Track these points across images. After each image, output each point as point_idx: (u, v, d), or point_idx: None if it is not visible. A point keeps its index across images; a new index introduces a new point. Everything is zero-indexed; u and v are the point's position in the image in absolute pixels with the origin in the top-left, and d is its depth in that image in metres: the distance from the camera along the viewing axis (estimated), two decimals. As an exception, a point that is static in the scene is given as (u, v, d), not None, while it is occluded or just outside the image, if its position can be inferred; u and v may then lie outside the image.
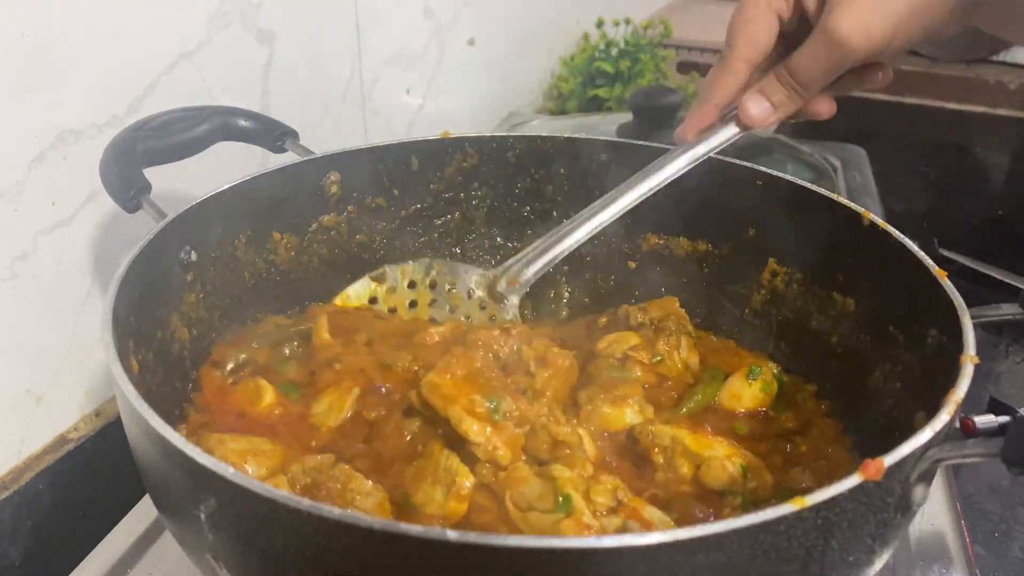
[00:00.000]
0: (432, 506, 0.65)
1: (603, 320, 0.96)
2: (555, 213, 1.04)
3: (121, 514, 0.84)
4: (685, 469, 0.72)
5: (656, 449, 0.73)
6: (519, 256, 0.92)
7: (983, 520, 0.92)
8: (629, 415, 0.78)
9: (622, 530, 0.61)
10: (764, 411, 0.83)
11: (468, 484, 0.66)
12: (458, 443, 0.69)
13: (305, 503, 0.45)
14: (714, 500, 0.70)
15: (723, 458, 0.72)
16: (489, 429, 0.68)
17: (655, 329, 0.90)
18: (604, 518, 0.62)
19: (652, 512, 0.64)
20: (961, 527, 0.84)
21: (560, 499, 0.62)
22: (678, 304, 0.94)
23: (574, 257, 1.05)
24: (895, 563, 0.80)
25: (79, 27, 0.84)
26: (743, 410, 0.83)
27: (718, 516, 0.68)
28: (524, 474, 0.67)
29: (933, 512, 0.86)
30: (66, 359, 0.92)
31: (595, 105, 1.85)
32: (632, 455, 0.75)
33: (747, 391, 0.83)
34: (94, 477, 0.94)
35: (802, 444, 0.79)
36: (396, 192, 0.98)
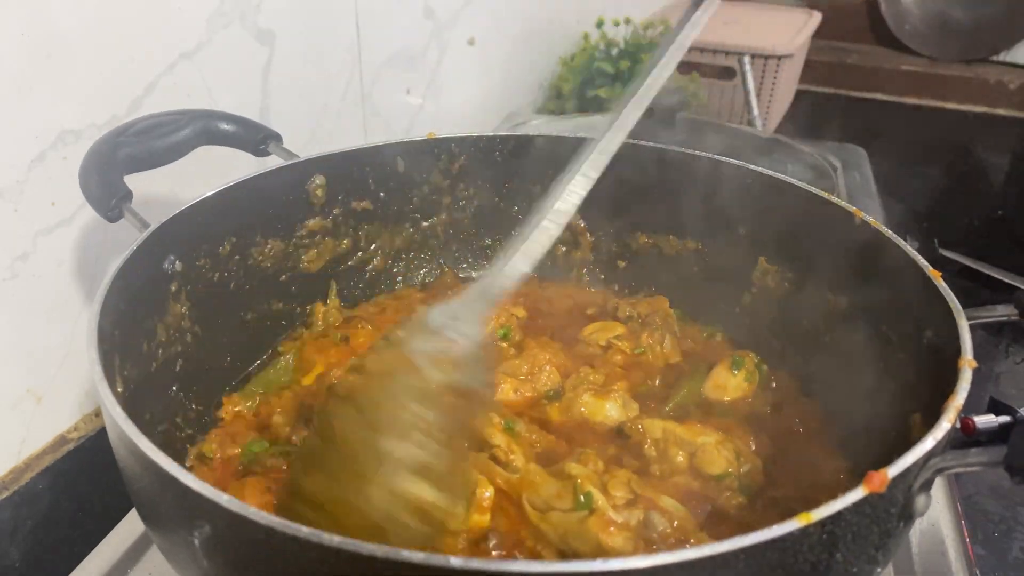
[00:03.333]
0: (454, 522, 0.64)
1: (591, 310, 0.98)
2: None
3: (121, 514, 0.84)
4: (680, 458, 0.73)
5: (648, 443, 0.75)
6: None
7: (983, 520, 0.92)
8: (611, 409, 0.79)
9: (645, 521, 0.62)
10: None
11: (489, 494, 0.66)
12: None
13: (304, 530, 0.44)
14: (711, 487, 0.71)
15: (716, 444, 0.73)
16: (507, 438, 0.72)
17: (642, 323, 0.93)
18: (625, 511, 0.62)
19: (667, 501, 0.64)
20: (961, 527, 0.84)
21: (581, 497, 0.62)
22: (668, 304, 0.96)
23: (569, 256, 1.06)
24: (895, 564, 0.80)
25: (79, 27, 0.84)
26: (728, 399, 0.84)
27: (718, 502, 0.70)
28: (539, 476, 0.67)
29: (933, 512, 0.86)
30: (66, 359, 0.92)
31: (595, 105, 1.85)
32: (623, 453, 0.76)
33: (731, 381, 0.85)
34: (94, 477, 0.94)
35: (774, 424, 0.81)
36: (382, 194, 0.98)
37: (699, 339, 0.96)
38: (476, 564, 0.42)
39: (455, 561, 0.42)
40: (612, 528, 0.60)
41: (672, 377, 0.88)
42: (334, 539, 0.43)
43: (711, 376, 0.86)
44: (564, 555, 0.63)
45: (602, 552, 0.60)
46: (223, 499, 0.46)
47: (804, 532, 0.46)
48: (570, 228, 1.03)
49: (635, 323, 0.93)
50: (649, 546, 0.61)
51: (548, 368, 0.85)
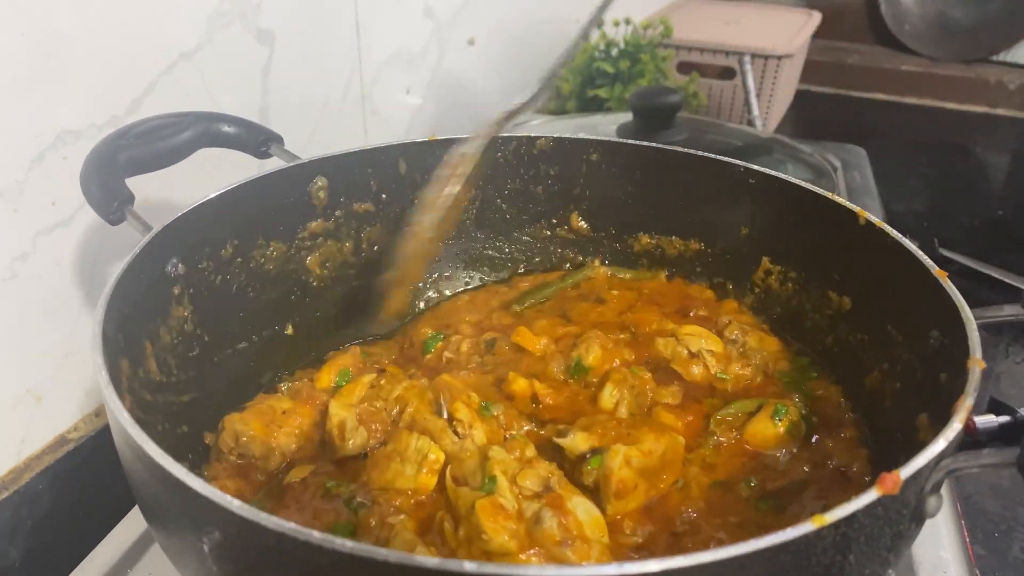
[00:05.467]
0: (401, 480, 0.69)
1: (709, 293, 0.98)
2: (545, 216, 1.04)
3: (121, 514, 0.84)
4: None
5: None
6: None
7: (983, 520, 0.91)
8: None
9: (536, 516, 0.63)
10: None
11: (433, 456, 0.70)
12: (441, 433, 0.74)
13: (316, 536, 0.43)
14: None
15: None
16: (472, 415, 0.75)
17: (741, 350, 0.87)
18: (525, 501, 0.65)
19: (577, 502, 0.65)
20: (961, 527, 0.84)
21: (487, 479, 0.66)
22: (778, 345, 0.90)
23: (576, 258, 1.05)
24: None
25: (79, 27, 0.84)
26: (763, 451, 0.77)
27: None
28: (469, 452, 0.71)
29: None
30: (66, 359, 0.92)
31: (595, 105, 1.85)
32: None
33: (771, 431, 0.78)
34: (94, 477, 0.94)
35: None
36: (384, 196, 0.97)
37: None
38: (490, 569, 0.42)
39: (468, 566, 0.42)
40: (498, 512, 0.62)
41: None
42: (346, 544, 0.42)
43: (750, 424, 0.78)
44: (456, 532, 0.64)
45: (481, 532, 0.60)
46: (234, 505, 0.45)
47: (818, 535, 0.45)
48: (573, 231, 1.04)
49: (734, 346, 0.87)
50: (533, 543, 0.61)
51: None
